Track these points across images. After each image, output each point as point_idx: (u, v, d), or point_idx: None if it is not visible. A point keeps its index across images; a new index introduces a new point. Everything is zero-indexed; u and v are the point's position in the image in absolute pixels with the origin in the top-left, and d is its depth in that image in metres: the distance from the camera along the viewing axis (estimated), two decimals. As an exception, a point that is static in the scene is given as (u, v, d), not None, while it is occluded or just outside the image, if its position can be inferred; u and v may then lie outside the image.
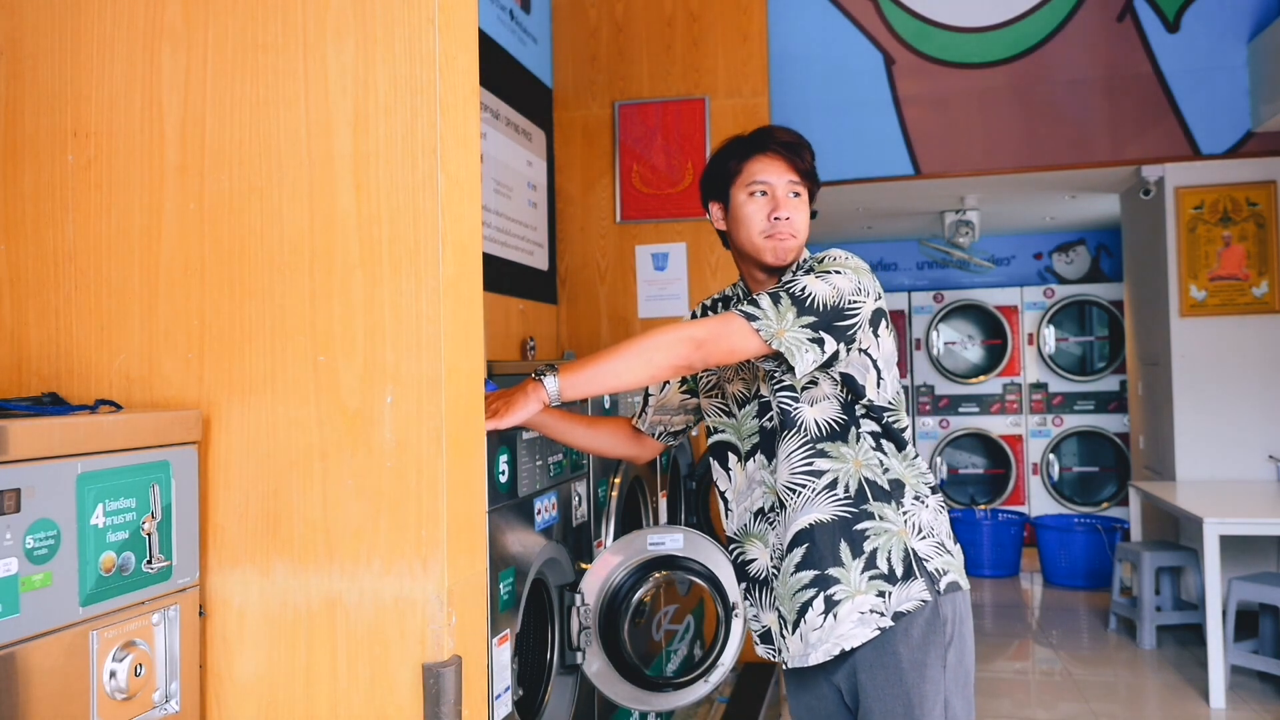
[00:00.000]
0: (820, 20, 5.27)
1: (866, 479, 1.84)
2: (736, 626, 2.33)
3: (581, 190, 4.54)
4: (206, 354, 1.25)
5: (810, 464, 1.85)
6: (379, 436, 1.19)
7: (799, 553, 1.83)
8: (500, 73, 3.88)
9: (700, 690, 2.33)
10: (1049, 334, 7.38)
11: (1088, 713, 4.12)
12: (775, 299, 1.74)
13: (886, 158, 5.23)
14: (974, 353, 7.68)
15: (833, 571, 1.80)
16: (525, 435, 2.03)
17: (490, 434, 1.64)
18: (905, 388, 7.54)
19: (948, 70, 5.19)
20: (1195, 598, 5.13)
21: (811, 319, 1.73)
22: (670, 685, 2.39)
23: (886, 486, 1.83)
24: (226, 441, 1.24)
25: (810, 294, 1.74)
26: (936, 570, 1.82)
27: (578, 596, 2.24)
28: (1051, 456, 7.29)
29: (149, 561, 1.13)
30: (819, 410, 1.86)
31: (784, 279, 1.84)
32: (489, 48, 3.74)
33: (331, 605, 1.20)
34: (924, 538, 1.83)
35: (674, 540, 2.32)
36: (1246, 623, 4.67)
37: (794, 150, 1.91)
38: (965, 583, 1.88)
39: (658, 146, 4.46)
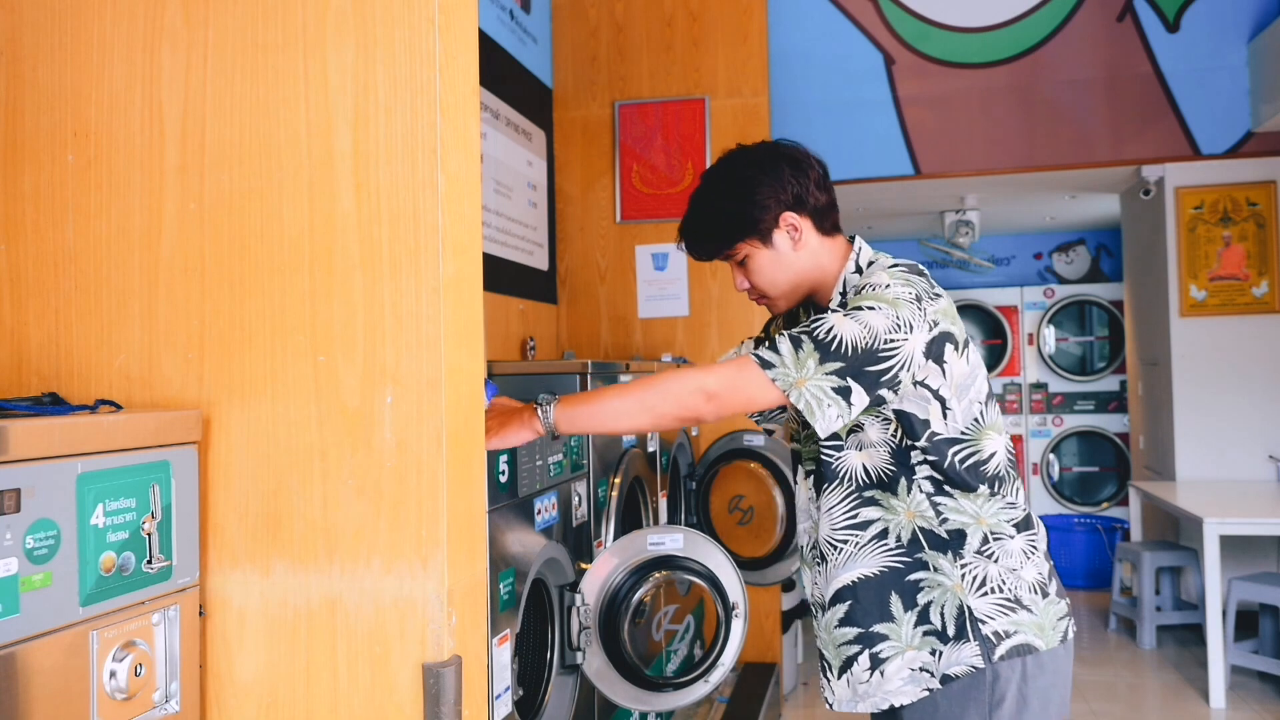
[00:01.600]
0: (820, 20, 5.27)
1: (921, 528, 1.69)
2: (736, 626, 2.32)
3: (581, 190, 4.54)
4: (206, 354, 1.25)
5: (855, 515, 1.73)
6: (379, 436, 1.19)
7: (841, 609, 1.74)
8: (500, 73, 3.88)
9: (700, 690, 2.33)
10: (1049, 334, 7.37)
11: (1088, 713, 4.12)
12: (796, 344, 1.58)
13: (886, 158, 5.23)
14: (974, 353, 7.68)
15: (879, 628, 1.71)
16: (525, 435, 2.03)
17: (490, 434, 1.64)
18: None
19: (948, 70, 5.19)
20: (1195, 598, 5.13)
21: (837, 365, 1.56)
22: (670, 685, 2.40)
23: (945, 536, 1.68)
24: (226, 441, 1.24)
25: (836, 336, 1.57)
26: (995, 634, 1.65)
27: (578, 596, 2.24)
28: (1051, 456, 7.29)
29: (149, 561, 1.12)
30: (867, 456, 1.71)
31: (813, 317, 1.67)
32: (489, 48, 3.74)
33: (331, 605, 1.20)
34: (985, 594, 1.67)
35: (674, 540, 2.32)
36: (1246, 623, 4.67)
37: (696, 243, 1.79)
38: (1045, 641, 1.67)
39: (658, 146, 4.46)
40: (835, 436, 1.72)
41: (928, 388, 1.65)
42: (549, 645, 2.23)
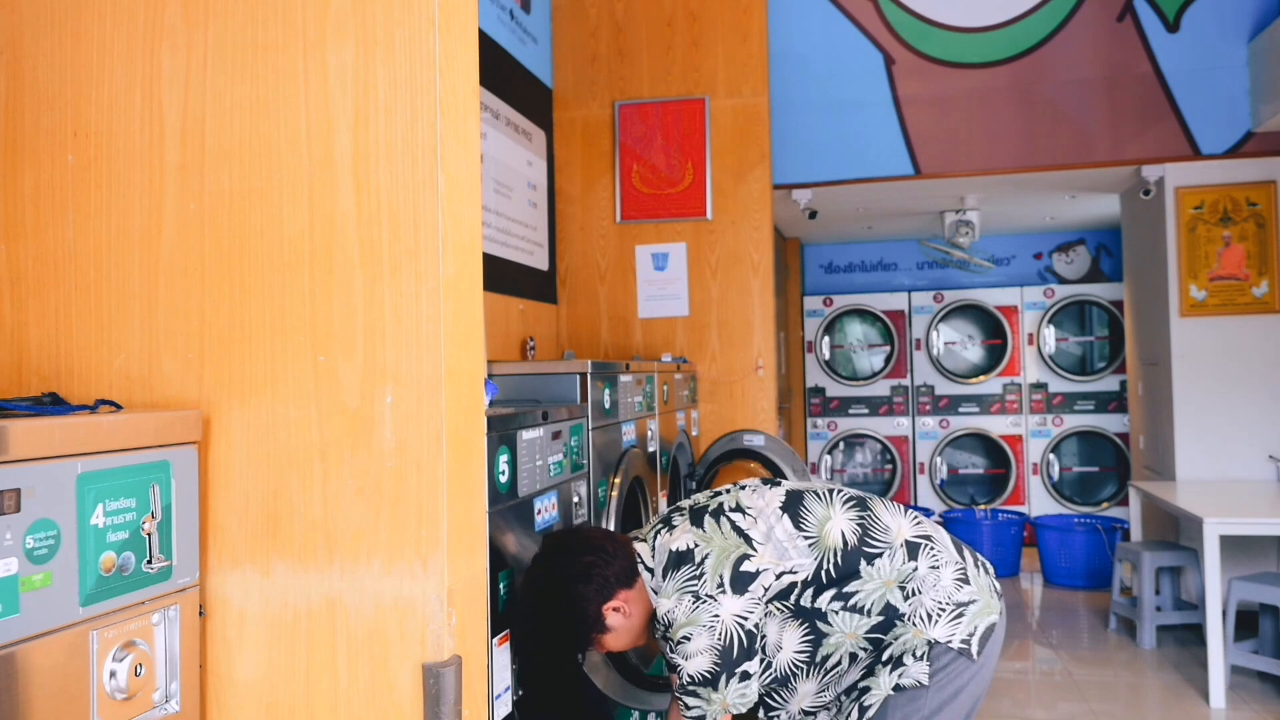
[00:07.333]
0: (820, 20, 5.27)
1: (865, 635, 1.93)
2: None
3: (581, 190, 4.54)
4: (206, 354, 1.25)
5: (823, 672, 1.96)
6: (379, 436, 1.19)
7: (845, 694, 1.99)
8: (500, 73, 3.88)
9: (700, 690, 2.32)
10: (1049, 334, 7.37)
11: (1088, 713, 4.12)
12: (698, 692, 1.87)
13: (886, 158, 5.23)
14: (974, 353, 7.68)
15: (864, 683, 1.95)
16: (525, 435, 2.03)
17: (490, 434, 1.64)
18: (905, 388, 7.54)
19: (948, 70, 5.19)
20: (1195, 598, 5.13)
21: (724, 676, 1.85)
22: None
23: (883, 617, 1.92)
24: (226, 441, 1.24)
25: (693, 672, 1.86)
26: (964, 641, 1.91)
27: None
28: (1051, 456, 7.28)
29: (149, 561, 1.12)
30: (787, 652, 1.93)
31: (674, 659, 1.91)
32: (489, 48, 3.74)
33: (331, 605, 1.20)
34: (937, 621, 1.92)
35: (674, 540, 2.31)
36: (1246, 623, 4.67)
37: (552, 658, 2.00)
38: (995, 612, 1.96)
39: (658, 146, 4.46)
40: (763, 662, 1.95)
41: (771, 580, 1.90)
42: (549, 645, 2.22)
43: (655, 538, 2.00)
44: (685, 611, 1.87)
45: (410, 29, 1.20)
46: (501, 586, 1.86)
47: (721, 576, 1.89)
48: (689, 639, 1.86)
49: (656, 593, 1.95)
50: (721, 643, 1.86)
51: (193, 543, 1.20)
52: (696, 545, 1.93)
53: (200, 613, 1.22)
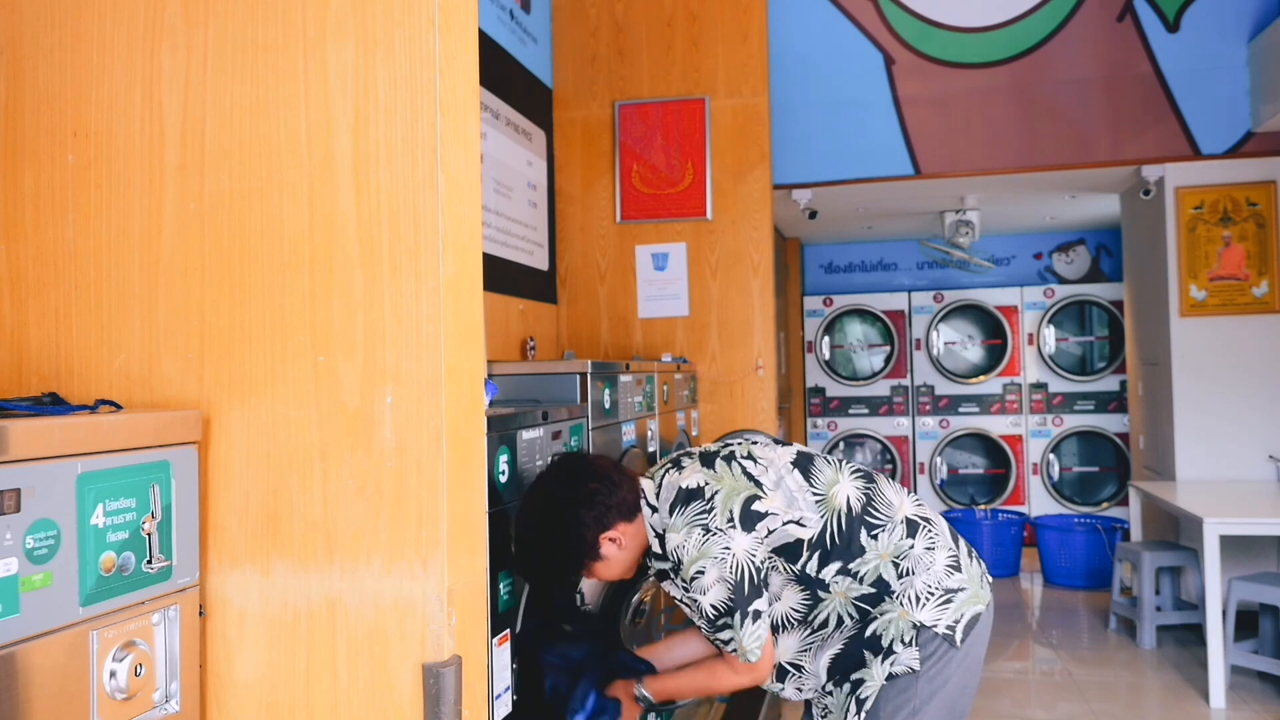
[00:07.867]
0: (820, 20, 5.27)
1: (855, 598, 1.94)
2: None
3: (581, 190, 4.54)
4: (206, 354, 1.25)
5: (809, 628, 1.99)
6: (379, 436, 1.19)
7: (832, 681, 2.00)
8: (500, 73, 3.88)
9: (700, 690, 2.32)
10: (1049, 334, 7.38)
11: (1088, 713, 4.12)
12: (727, 624, 1.88)
13: (886, 158, 5.23)
14: (974, 353, 7.68)
15: (857, 675, 1.96)
16: (525, 435, 2.03)
17: (490, 434, 1.64)
18: (905, 388, 7.54)
19: (948, 70, 5.19)
20: (1195, 598, 5.13)
21: (739, 614, 1.86)
22: (670, 685, 2.38)
23: (873, 589, 1.93)
24: (226, 441, 1.24)
25: (715, 603, 1.87)
26: (949, 627, 1.92)
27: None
28: (1051, 456, 7.29)
29: (149, 561, 1.12)
30: (787, 602, 1.96)
31: (699, 606, 1.91)
32: (489, 48, 3.74)
33: (331, 605, 1.20)
34: (925, 605, 1.92)
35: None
36: (1246, 623, 4.67)
37: (541, 585, 1.99)
38: (982, 601, 1.97)
39: (658, 146, 4.46)
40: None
41: (778, 524, 1.91)
42: (549, 645, 2.22)
43: (663, 476, 2.00)
44: (696, 544, 1.87)
45: (410, 29, 1.20)
46: (501, 586, 1.86)
47: (731, 511, 1.89)
48: (702, 573, 1.86)
49: (661, 530, 1.94)
50: (734, 577, 1.85)
51: (193, 543, 1.20)
52: (707, 484, 1.93)
53: (200, 613, 1.22)
